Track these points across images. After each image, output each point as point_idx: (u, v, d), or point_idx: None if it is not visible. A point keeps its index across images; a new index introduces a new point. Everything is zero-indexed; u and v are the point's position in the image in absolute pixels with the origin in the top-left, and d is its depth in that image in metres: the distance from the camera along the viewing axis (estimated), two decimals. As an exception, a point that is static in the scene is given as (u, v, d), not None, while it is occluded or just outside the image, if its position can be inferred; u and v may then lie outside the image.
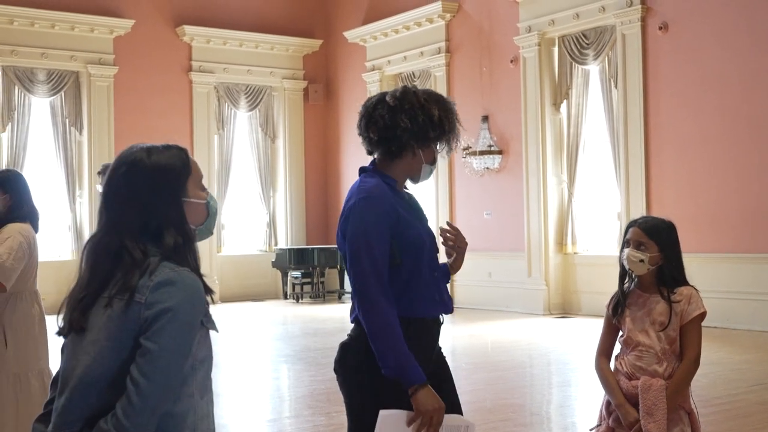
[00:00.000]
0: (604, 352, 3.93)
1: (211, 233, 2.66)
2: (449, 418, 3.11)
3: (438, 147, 3.33)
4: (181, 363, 2.35)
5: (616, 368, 3.87)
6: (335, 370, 3.30)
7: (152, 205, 2.46)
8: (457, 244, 3.47)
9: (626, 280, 3.89)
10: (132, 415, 2.28)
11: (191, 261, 2.48)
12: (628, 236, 3.83)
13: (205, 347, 2.48)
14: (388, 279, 3.13)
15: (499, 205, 15.73)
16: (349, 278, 3.21)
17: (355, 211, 3.16)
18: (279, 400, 8.93)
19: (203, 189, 2.59)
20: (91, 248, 2.49)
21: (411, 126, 3.20)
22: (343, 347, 3.28)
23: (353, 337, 3.26)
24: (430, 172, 3.38)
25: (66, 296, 2.51)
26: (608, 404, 3.86)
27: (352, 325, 3.29)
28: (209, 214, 2.61)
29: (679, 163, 12.93)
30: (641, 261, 3.75)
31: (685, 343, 3.75)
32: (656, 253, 3.76)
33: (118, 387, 2.32)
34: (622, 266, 3.88)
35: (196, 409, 2.44)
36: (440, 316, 3.35)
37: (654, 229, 3.79)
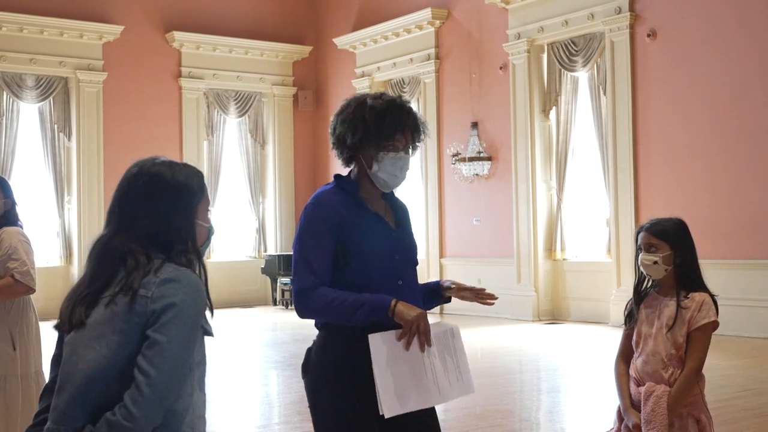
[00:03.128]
0: (623, 355, 3.91)
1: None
2: (434, 326, 3.18)
3: (374, 153, 3.32)
4: (186, 356, 2.42)
5: (630, 373, 3.85)
6: (302, 374, 3.38)
7: (168, 218, 2.55)
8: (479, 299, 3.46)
9: (643, 287, 3.87)
10: (142, 404, 2.33)
11: (202, 275, 2.58)
12: (639, 242, 3.81)
13: (201, 349, 2.56)
14: (330, 280, 3.24)
15: (488, 212, 15.75)
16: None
17: (301, 218, 3.33)
18: (268, 407, 8.92)
19: (207, 214, 2.70)
20: (99, 248, 2.56)
21: (333, 136, 3.37)
22: (308, 351, 3.38)
23: (315, 342, 3.36)
24: (386, 179, 3.35)
25: (69, 293, 2.57)
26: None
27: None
28: (208, 237, 2.70)
29: (668, 169, 12.97)
30: (655, 263, 3.73)
31: (688, 351, 3.69)
32: (668, 252, 3.73)
33: (124, 380, 2.37)
34: (639, 274, 3.86)
35: (194, 409, 2.51)
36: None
37: (661, 229, 3.77)
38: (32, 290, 5.22)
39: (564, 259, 14.81)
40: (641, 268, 3.79)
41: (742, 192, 12.11)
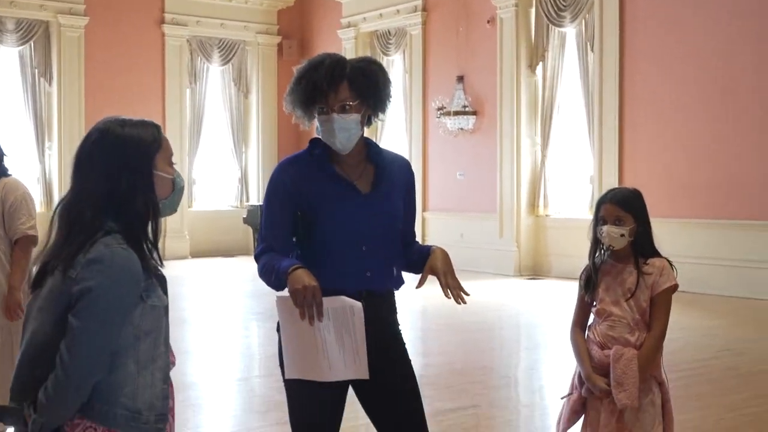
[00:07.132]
0: (579, 323, 3.96)
1: (175, 210, 2.71)
2: (332, 300, 3.02)
3: (305, 110, 3.31)
4: (104, 340, 2.39)
5: (588, 337, 3.88)
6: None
7: (119, 173, 2.50)
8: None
9: (597, 253, 3.88)
10: (57, 387, 2.35)
11: (148, 233, 2.54)
12: (601, 213, 3.80)
13: (150, 319, 2.51)
14: (287, 248, 3.24)
15: (472, 166, 15.70)
16: None
17: None
18: (249, 359, 8.91)
19: (171, 166, 2.65)
20: (59, 215, 2.54)
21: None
22: None
23: None
24: (328, 142, 3.31)
25: (37, 256, 2.58)
26: (581, 374, 3.87)
27: None
28: (174, 189, 2.65)
29: (653, 127, 12.94)
30: (622, 236, 3.74)
31: (653, 314, 3.76)
32: (633, 224, 3.76)
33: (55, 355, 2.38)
34: (594, 242, 3.87)
35: (136, 379, 2.47)
36: (361, 291, 3.22)
37: (627, 201, 3.79)
38: (38, 238, 5.17)
39: (547, 215, 14.82)
40: (604, 239, 3.78)
41: (726, 152, 12.09)
